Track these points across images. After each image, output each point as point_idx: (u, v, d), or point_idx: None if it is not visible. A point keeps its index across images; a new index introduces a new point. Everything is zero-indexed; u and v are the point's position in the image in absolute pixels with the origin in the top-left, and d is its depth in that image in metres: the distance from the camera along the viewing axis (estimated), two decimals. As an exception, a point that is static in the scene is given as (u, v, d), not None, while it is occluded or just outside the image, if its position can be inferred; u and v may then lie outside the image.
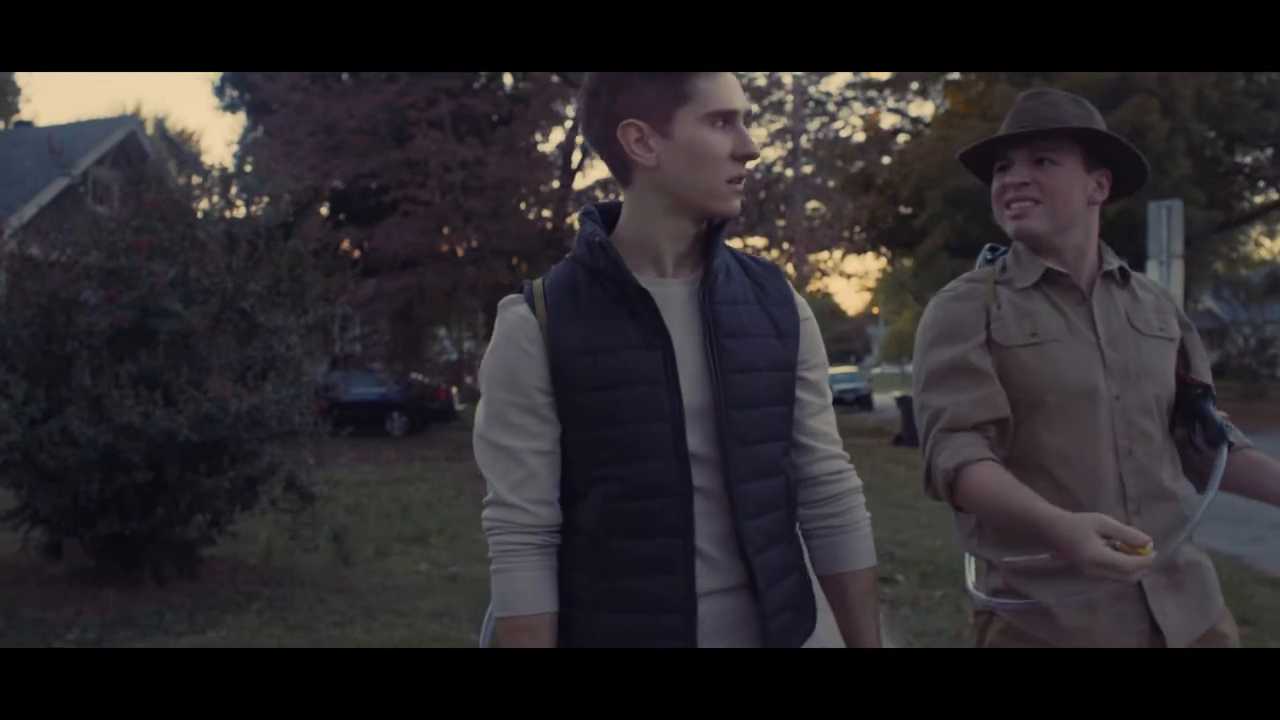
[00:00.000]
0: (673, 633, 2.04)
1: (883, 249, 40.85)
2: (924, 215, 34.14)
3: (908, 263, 46.45)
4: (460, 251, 23.74)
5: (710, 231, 2.14)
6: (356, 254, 20.60)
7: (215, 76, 29.95)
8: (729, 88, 2.05)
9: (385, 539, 10.56)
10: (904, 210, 36.33)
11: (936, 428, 2.57)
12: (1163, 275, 12.15)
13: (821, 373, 2.28)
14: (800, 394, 2.22)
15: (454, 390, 27.53)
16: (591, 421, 2.05)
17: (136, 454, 7.30)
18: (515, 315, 2.10)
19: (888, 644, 6.43)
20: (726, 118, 2.04)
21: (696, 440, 2.06)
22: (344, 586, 8.50)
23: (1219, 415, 2.60)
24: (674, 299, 2.11)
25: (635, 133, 2.04)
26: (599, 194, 23.05)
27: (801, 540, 2.26)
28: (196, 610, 7.57)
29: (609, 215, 2.18)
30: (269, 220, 8.67)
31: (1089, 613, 2.51)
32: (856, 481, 2.30)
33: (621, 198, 2.16)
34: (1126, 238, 20.27)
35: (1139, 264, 13.53)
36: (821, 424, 2.26)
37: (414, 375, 25.45)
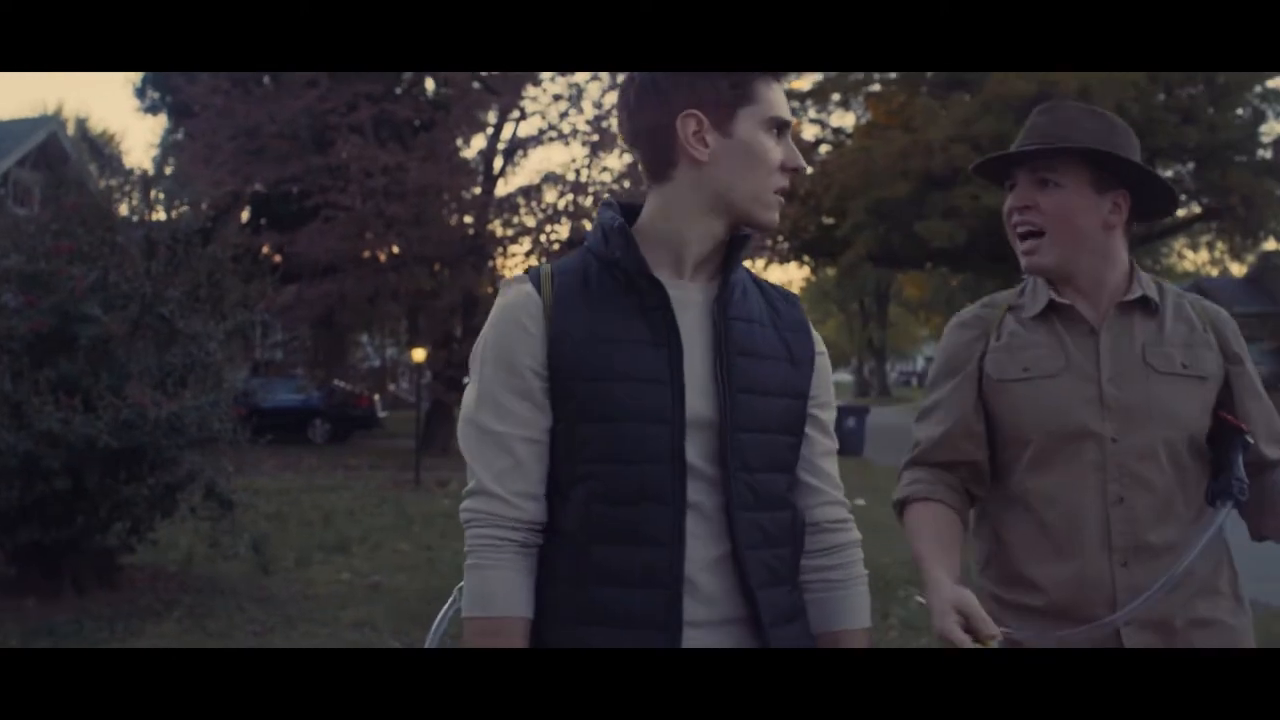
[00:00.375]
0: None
1: (806, 258, 41.24)
2: (846, 225, 34.49)
3: (831, 272, 46.98)
4: (382, 257, 23.62)
5: (734, 243, 2.05)
6: (278, 259, 20.44)
7: (137, 78, 29.66)
8: (784, 99, 2.02)
9: (306, 548, 10.50)
10: (826, 220, 36.68)
11: (906, 458, 2.56)
12: None
13: (831, 413, 2.16)
14: (809, 430, 2.10)
15: (377, 397, 27.39)
16: (585, 414, 1.93)
17: (56, 461, 7.23)
18: (519, 292, 2.00)
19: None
20: (782, 127, 2.00)
21: (695, 453, 1.95)
22: (264, 595, 8.46)
23: (1241, 468, 2.36)
24: (689, 303, 2.01)
25: (695, 124, 1.97)
26: (521, 201, 23.07)
27: None
28: (116, 619, 7.50)
29: (627, 212, 2.08)
30: (188, 225, 8.60)
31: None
32: (858, 534, 2.14)
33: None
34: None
35: None
36: (828, 466, 2.13)
37: (336, 382, 25.30)
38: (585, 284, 1.99)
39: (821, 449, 2.11)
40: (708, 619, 1.92)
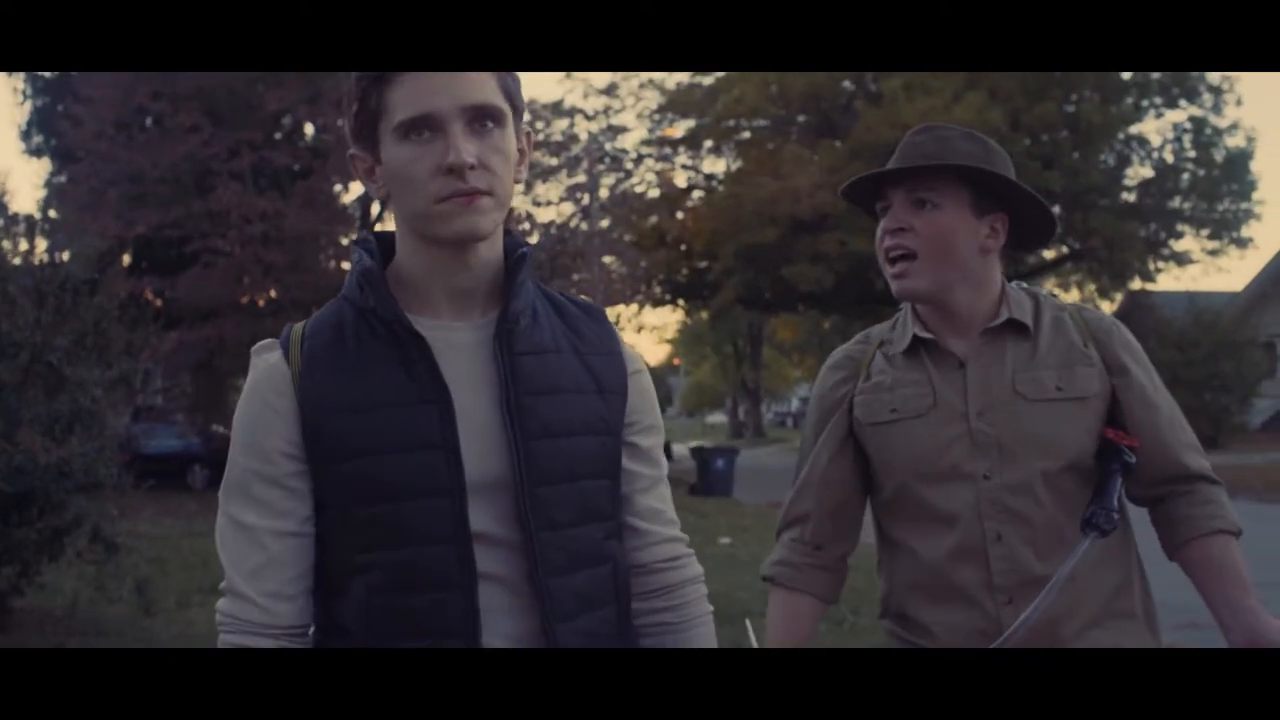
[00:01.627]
0: None
1: (680, 302, 41.77)
2: (717, 269, 35.09)
3: (705, 315, 47.53)
4: (260, 303, 23.70)
5: (510, 267, 1.79)
6: (159, 304, 20.48)
7: (22, 120, 29.32)
8: (426, 89, 1.66)
9: (186, 590, 10.68)
10: (699, 265, 37.28)
11: (780, 522, 2.53)
12: None
13: (655, 438, 1.92)
14: (628, 464, 1.87)
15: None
16: (352, 496, 1.68)
17: (-53, 505, 7.42)
18: (263, 364, 1.75)
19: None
20: (424, 124, 1.66)
21: (486, 519, 1.70)
22: (147, 636, 8.66)
23: (1113, 497, 2.25)
24: (460, 345, 1.75)
25: (362, 164, 1.78)
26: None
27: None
28: (5, 658, 7.69)
29: (387, 246, 1.82)
30: (77, 275, 8.87)
31: None
32: (697, 569, 1.95)
33: None
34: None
35: None
36: (654, 500, 1.91)
37: (215, 427, 25.26)
38: (340, 340, 1.74)
39: (644, 483, 1.90)
40: None
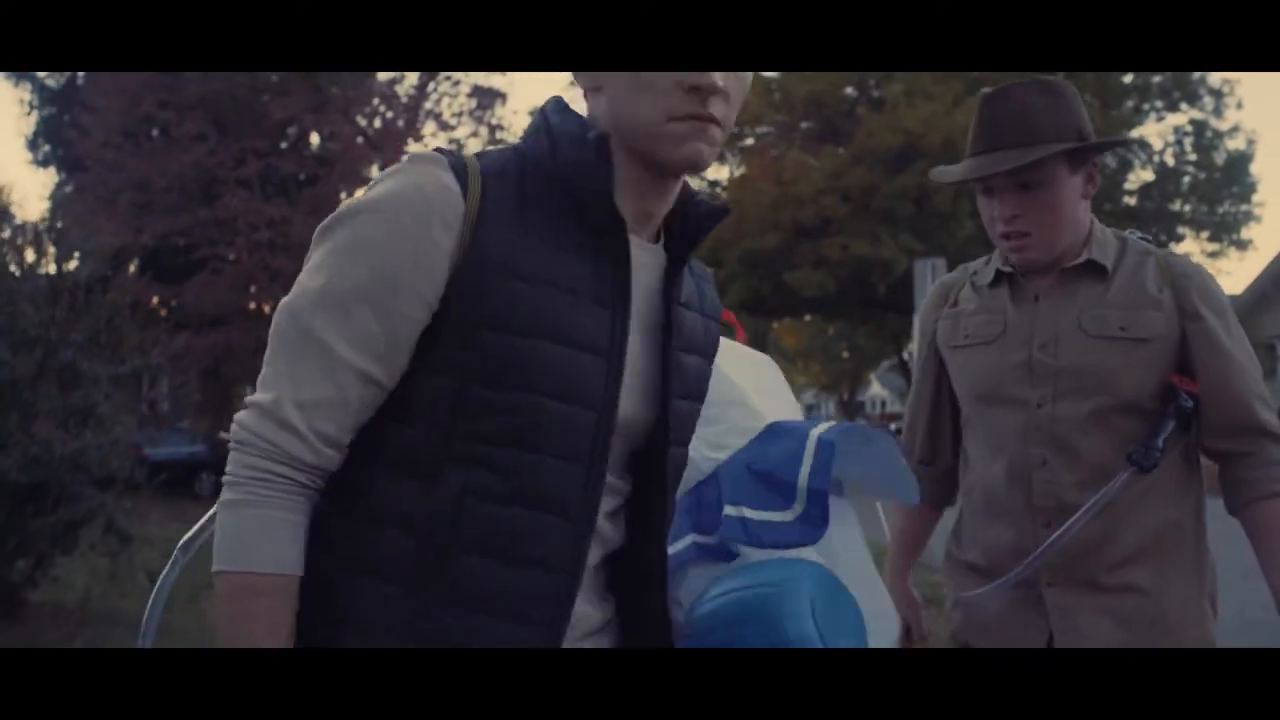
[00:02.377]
0: None
1: (685, 308, 41.79)
2: (720, 276, 35.14)
3: (709, 321, 47.50)
4: (267, 309, 23.83)
5: (706, 214, 1.63)
6: (164, 313, 20.63)
7: (29, 130, 29.51)
8: None
9: (198, 585, 10.78)
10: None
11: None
12: None
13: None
14: None
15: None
16: (487, 374, 1.43)
17: (-35, 496, 7.60)
18: (433, 181, 1.45)
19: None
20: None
21: (616, 462, 1.55)
22: (162, 627, 8.81)
23: (1160, 440, 2.30)
24: (641, 265, 1.57)
25: None
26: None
27: None
28: (23, 646, 7.82)
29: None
30: (91, 274, 9.05)
31: (986, 618, 2.47)
32: None
33: None
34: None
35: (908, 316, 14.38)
36: None
37: (222, 434, 25.39)
38: (523, 199, 1.49)
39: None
40: (587, 630, 1.58)
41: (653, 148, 1.50)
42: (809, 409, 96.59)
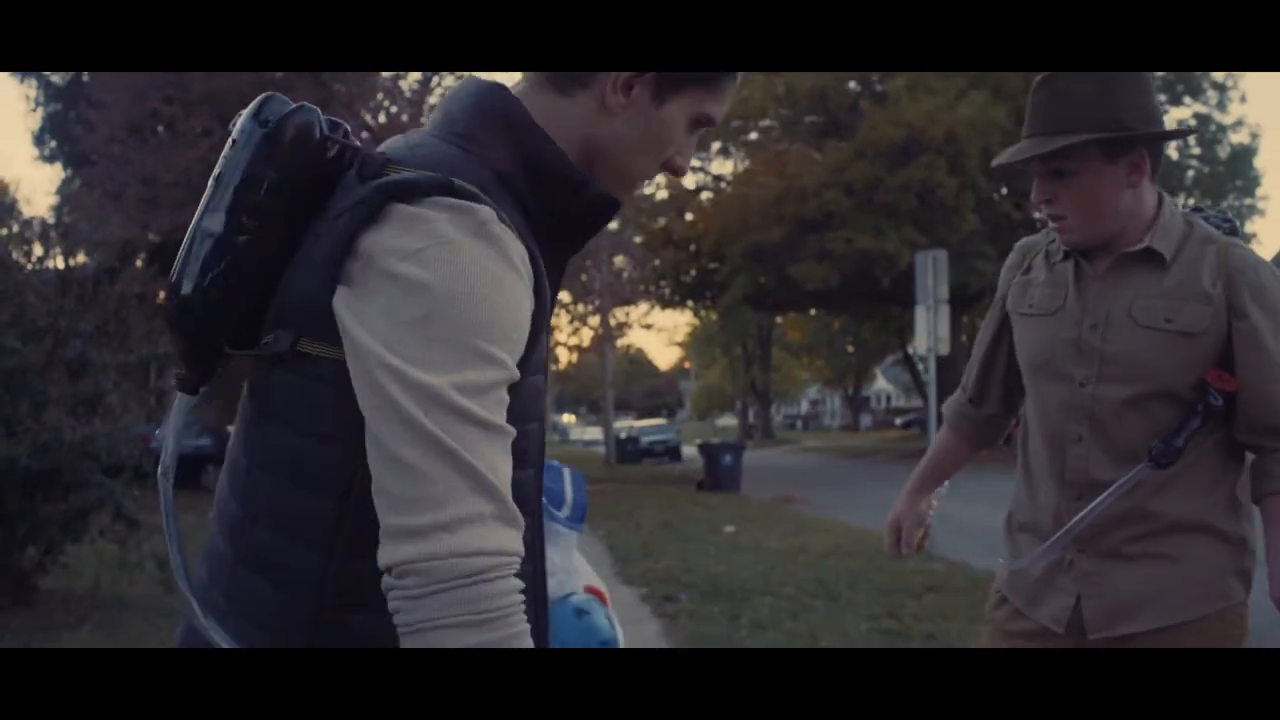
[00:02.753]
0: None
1: (689, 302, 42.02)
2: (724, 270, 35.31)
3: (714, 315, 47.73)
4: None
5: (601, 207, 1.66)
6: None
7: (35, 125, 29.69)
8: (724, 102, 1.69)
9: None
10: (707, 265, 37.49)
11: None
12: (930, 320, 13.10)
13: None
14: None
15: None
16: (515, 412, 1.46)
17: (-23, 482, 7.74)
18: (517, 247, 1.47)
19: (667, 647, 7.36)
20: (703, 123, 1.67)
21: None
22: (168, 611, 8.95)
23: (1182, 438, 2.41)
24: None
25: (635, 84, 1.60)
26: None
27: None
28: (34, 631, 8.01)
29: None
30: (100, 265, 9.17)
31: (1027, 578, 2.63)
32: None
33: None
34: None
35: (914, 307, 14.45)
36: None
37: (229, 427, 25.53)
38: (525, 232, 1.52)
39: None
40: None
41: (620, 184, 1.64)
42: (813, 404, 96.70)
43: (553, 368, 44.13)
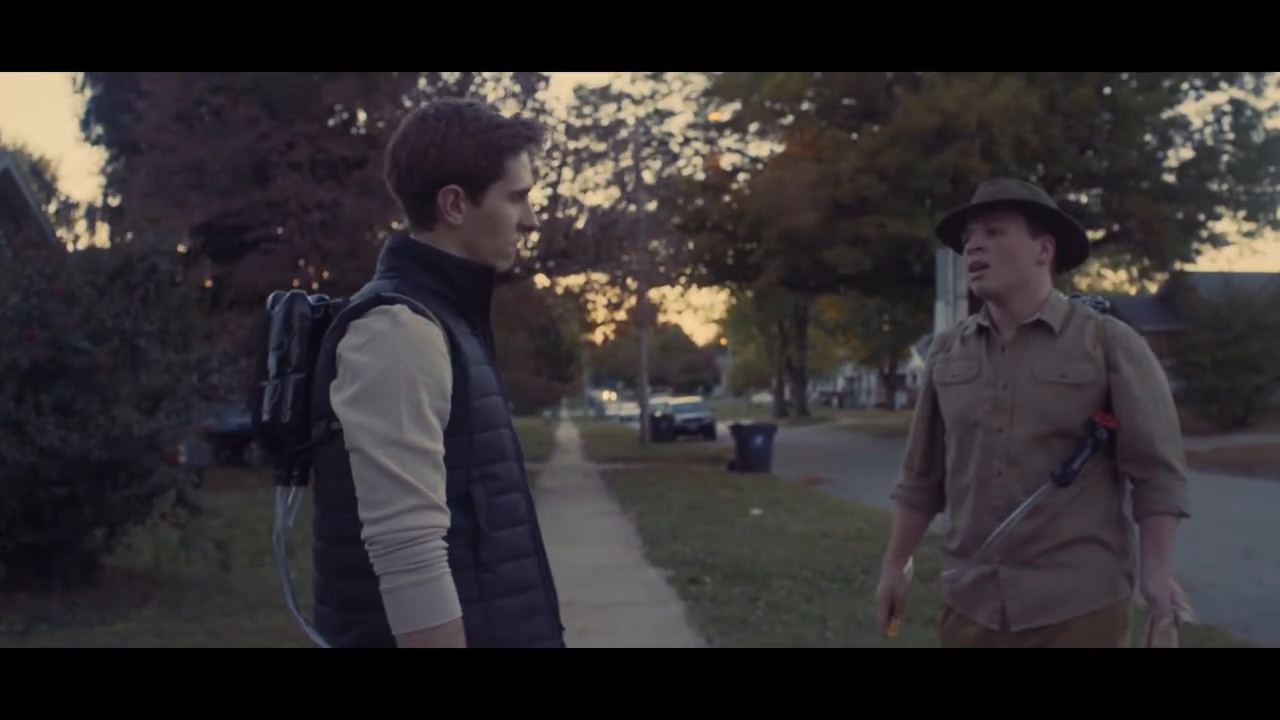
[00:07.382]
0: (539, 606, 2.33)
1: (727, 283, 42.14)
2: (759, 252, 35.48)
3: (749, 296, 47.79)
4: (315, 286, 24.34)
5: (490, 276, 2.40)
6: (217, 292, 21.24)
7: (80, 109, 30.00)
8: (528, 169, 2.34)
9: (258, 551, 11.42)
10: (743, 247, 37.56)
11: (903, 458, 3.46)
12: (949, 314, 13.44)
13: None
14: None
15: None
16: (480, 425, 2.23)
17: (55, 472, 8.34)
18: (423, 324, 2.18)
19: (689, 629, 7.87)
20: (524, 194, 2.33)
21: None
22: (226, 588, 9.49)
23: (1077, 463, 2.98)
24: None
25: (453, 197, 2.26)
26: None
27: None
28: (105, 608, 8.61)
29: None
30: (165, 273, 9.74)
31: (960, 582, 3.18)
32: None
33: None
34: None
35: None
36: None
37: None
38: (454, 318, 2.27)
39: None
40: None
41: (495, 259, 2.36)
42: (849, 380, 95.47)
43: (591, 348, 43.13)
